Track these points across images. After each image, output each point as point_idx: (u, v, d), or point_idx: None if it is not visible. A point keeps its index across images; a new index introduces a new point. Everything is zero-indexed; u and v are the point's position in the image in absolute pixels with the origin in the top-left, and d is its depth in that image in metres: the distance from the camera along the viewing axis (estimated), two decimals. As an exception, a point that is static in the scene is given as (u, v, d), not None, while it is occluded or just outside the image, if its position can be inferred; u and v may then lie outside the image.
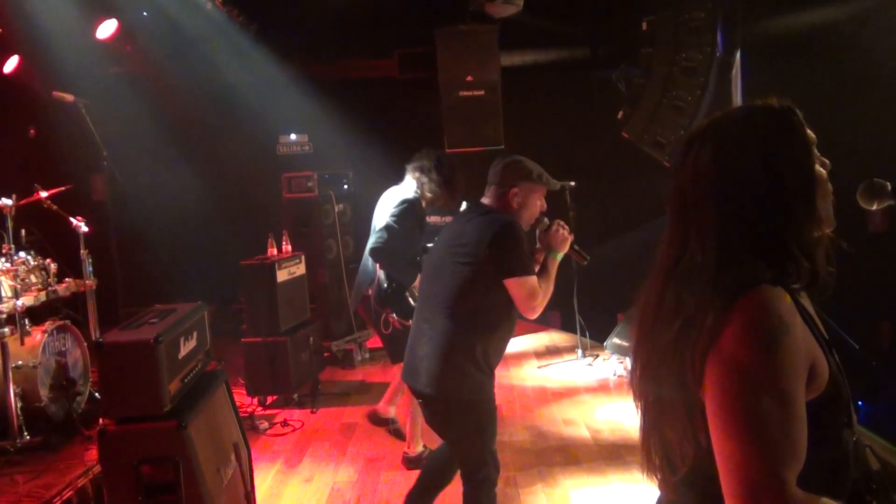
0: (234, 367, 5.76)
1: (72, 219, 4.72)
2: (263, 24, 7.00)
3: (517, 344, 7.02)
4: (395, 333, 4.27)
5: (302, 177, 6.67)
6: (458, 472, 3.04)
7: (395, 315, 4.24)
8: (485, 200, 3.03)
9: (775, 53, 5.52)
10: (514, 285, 2.81)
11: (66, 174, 5.57)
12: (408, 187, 4.41)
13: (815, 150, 1.39)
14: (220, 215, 7.44)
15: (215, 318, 3.67)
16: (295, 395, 5.60)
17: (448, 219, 4.34)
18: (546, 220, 3.09)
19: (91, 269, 4.78)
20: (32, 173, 5.21)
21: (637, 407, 1.47)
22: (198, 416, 2.99)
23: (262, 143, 7.47)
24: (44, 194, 4.70)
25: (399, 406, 4.91)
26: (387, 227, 4.21)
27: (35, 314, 4.72)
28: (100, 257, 4.94)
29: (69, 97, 4.90)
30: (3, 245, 4.39)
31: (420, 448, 4.38)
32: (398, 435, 4.82)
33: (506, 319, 2.92)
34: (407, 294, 4.29)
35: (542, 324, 7.53)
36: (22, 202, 4.51)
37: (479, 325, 2.88)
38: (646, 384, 1.42)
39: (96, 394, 4.70)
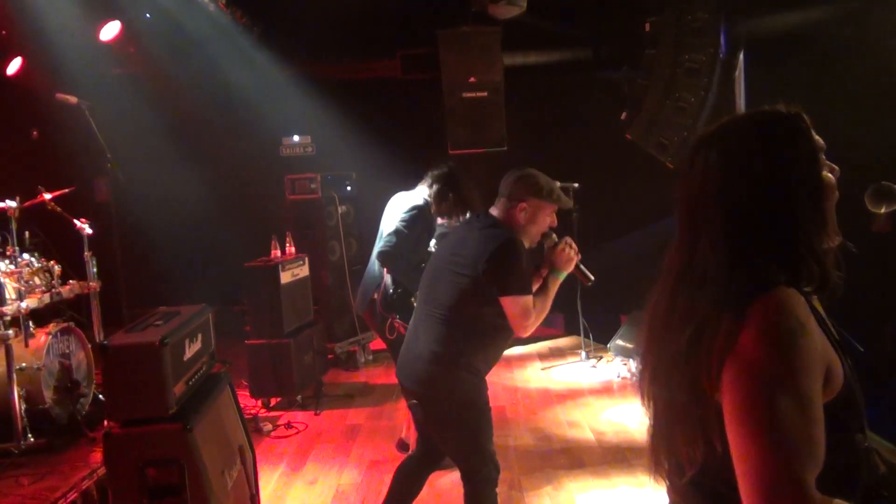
0: (237, 369, 5.76)
1: (76, 221, 4.72)
2: (266, 25, 6.99)
3: (520, 346, 7.01)
4: (399, 339, 4.25)
5: (305, 178, 6.67)
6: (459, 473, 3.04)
7: (400, 320, 4.24)
8: (493, 211, 3.02)
9: (779, 54, 5.50)
10: (508, 303, 2.83)
11: (70, 176, 5.57)
12: (418, 194, 4.41)
13: (824, 157, 1.39)
14: (223, 217, 7.44)
15: (218, 319, 3.67)
16: (298, 397, 5.60)
17: (455, 222, 4.33)
18: (554, 235, 3.05)
19: (95, 270, 4.80)
20: (36, 175, 5.22)
21: (646, 411, 1.46)
22: (203, 419, 2.99)
23: (265, 145, 7.47)
24: (48, 196, 4.70)
25: (400, 408, 4.90)
26: (396, 232, 4.21)
27: (39, 316, 4.72)
28: (103, 259, 4.95)
29: (73, 99, 4.89)
30: (8, 247, 4.39)
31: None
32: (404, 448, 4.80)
33: (501, 330, 2.93)
34: (413, 299, 4.29)
35: (546, 325, 7.51)
36: (26, 204, 4.51)
37: (473, 335, 2.91)
38: (656, 388, 1.41)
39: (100, 396, 4.70)
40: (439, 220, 4.45)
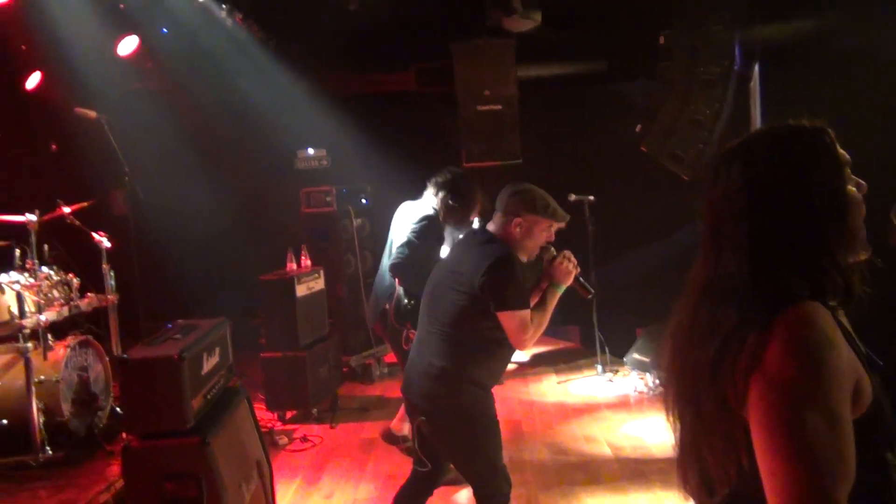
0: (252, 382, 5.76)
1: (94, 234, 4.76)
2: (282, 39, 7.05)
3: (535, 359, 6.98)
4: None
5: (320, 191, 6.68)
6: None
7: (415, 330, 4.23)
8: (490, 226, 3.03)
9: (794, 65, 5.48)
10: (505, 318, 2.84)
11: (88, 189, 5.61)
12: (426, 203, 4.42)
13: (849, 171, 1.38)
14: (239, 230, 7.47)
15: (234, 332, 3.68)
16: (314, 410, 5.60)
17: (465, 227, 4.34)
18: (553, 249, 3.04)
19: (113, 283, 4.83)
20: (55, 189, 5.27)
21: (672, 428, 1.45)
22: (221, 433, 2.99)
23: (280, 158, 7.51)
24: (66, 210, 4.74)
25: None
26: (408, 244, 4.22)
27: (58, 329, 4.76)
28: (121, 272, 4.98)
29: (92, 114, 4.94)
30: (27, 260, 4.43)
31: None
32: (411, 453, 4.79)
33: (502, 343, 2.93)
34: None
35: (562, 338, 7.49)
36: (45, 217, 4.56)
37: (475, 349, 2.92)
38: (683, 404, 1.40)
39: (118, 409, 4.72)
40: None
